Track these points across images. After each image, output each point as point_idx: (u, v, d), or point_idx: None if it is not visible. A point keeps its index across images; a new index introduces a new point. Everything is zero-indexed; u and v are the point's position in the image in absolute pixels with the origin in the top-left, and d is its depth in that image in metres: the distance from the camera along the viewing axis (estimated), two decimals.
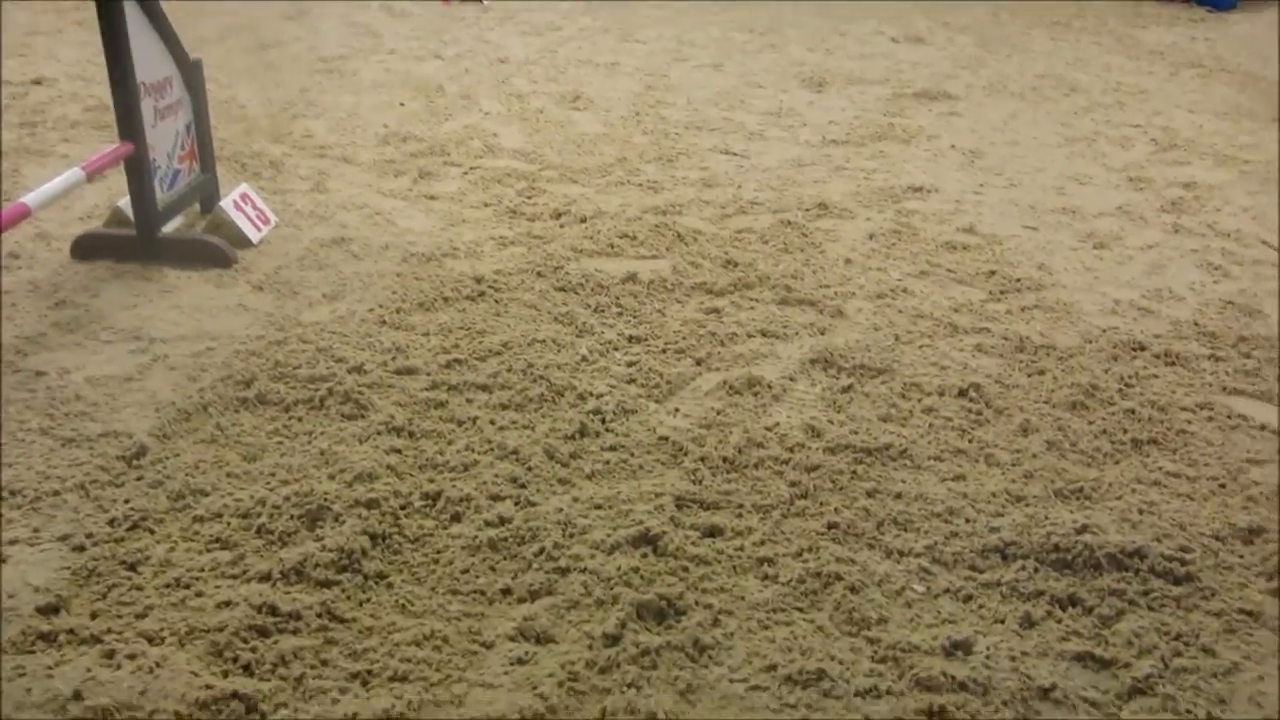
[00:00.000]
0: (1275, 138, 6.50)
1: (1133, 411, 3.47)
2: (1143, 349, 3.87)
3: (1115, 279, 4.47)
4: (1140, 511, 2.97)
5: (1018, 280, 4.42)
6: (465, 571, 2.67)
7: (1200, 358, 3.83)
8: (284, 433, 3.19)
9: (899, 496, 3.01)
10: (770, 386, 3.55)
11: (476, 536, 2.77)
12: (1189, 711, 2.29)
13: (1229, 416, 3.47)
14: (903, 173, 5.70)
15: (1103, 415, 3.46)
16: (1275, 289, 4.42)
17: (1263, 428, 3.42)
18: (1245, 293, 4.36)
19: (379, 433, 3.21)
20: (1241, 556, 2.81)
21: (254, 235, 4.53)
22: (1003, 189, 5.54)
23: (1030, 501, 3.00)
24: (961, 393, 3.55)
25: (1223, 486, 3.12)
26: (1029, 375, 3.70)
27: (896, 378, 3.64)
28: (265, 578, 2.59)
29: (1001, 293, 4.32)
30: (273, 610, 2.48)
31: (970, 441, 3.30)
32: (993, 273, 4.49)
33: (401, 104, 6.52)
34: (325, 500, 2.84)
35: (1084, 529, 2.84)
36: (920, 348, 3.86)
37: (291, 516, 2.80)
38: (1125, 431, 3.38)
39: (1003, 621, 2.55)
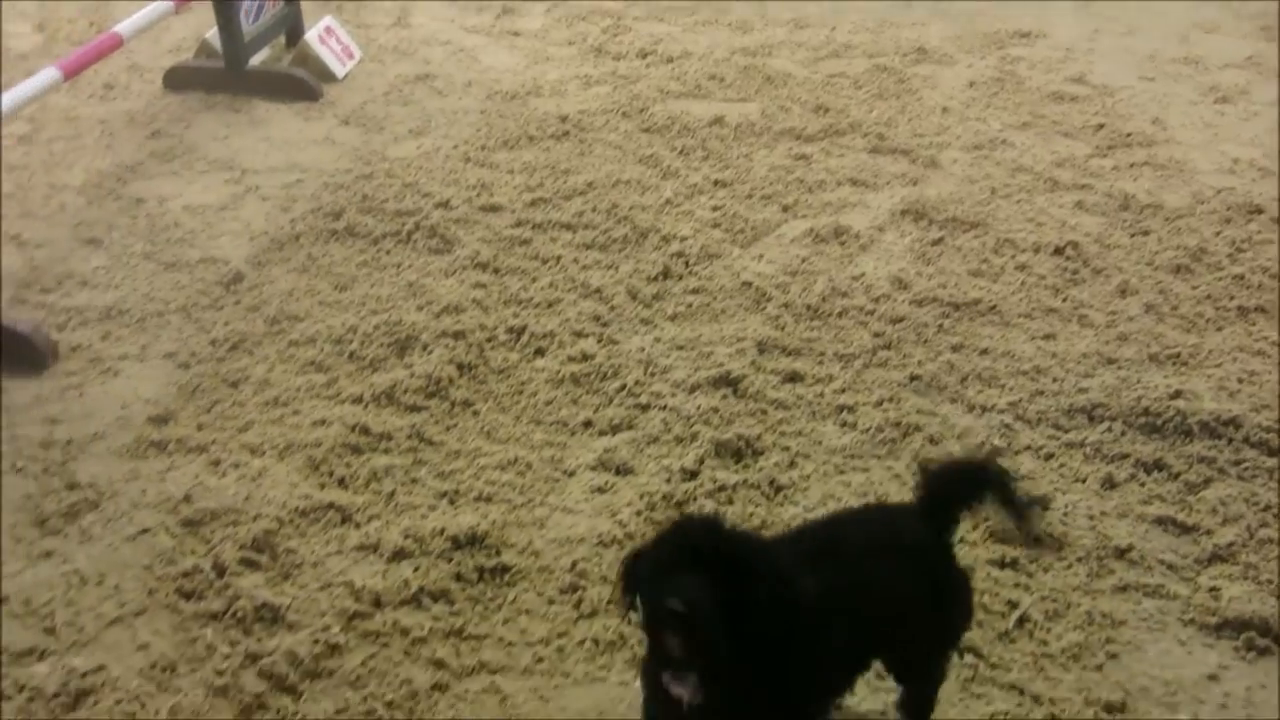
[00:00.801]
0: None
1: (1241, 277, 3.41)
2: (1259, 212, 3.76)
3: (1236, 136, 4.31)
4: (1239, 381, 2.95)
5: (1128, 135, 4.29)
6: (548, 403, 2.80)
7: None
8: (373, 264, 3.33)
9: (985, 352, 3.04)
10: (858, 236, 3.56)
11: (559, 371, 2.89)
12: (1270, 581, 2.33)
13: None
14: (1009, 16, 5.49)
15: (1208, 280, 3.41)
16: None
17: None
18: None
19: (465, 267, 3.32)
20: None
21: (339, 69, 4.59)
22: (1119, 36, 5.31)
23: (1123, 364, 3.01)
24: (1058, 251, 3.52)
25: None
26: (1132, 235, 3.64)
27: (990, 232, 3.61)
28: (358, 400, 2.76)
29: (1109, 148, 4.21)
30: (365, 430, 2.65)
31: (1064, 301, 3.30)
32: (1101, 126, 4.37)
33: None
34: (413, 330, 2.98)
35: (1178, 394, 2.84)
36: (1017, 202, 3.81)
37: (381, 344, 2.95)
38: (1231, 298, 3.32)
39: (1083, 481, 2.60)
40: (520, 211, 3.62)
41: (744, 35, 5.16)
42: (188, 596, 2.19)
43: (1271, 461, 2.67)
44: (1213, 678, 2.11)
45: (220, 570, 2.23)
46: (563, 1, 5.49)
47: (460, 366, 2.88)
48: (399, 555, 2.31)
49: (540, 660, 2.10)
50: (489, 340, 3.00)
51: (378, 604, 2.19)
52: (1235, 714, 2.03)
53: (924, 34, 5.22)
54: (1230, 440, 2.72)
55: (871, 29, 5.27)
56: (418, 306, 3.11)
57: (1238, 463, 2.67)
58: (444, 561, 2.29)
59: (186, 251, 3.39)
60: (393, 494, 2.49)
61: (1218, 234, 3.64)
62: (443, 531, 2.35)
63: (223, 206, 3.64)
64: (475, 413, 2.76)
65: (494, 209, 3.63)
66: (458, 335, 2.98)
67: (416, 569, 2.27)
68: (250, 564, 2.26)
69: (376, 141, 4.06)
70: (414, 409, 2.74)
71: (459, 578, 2.26)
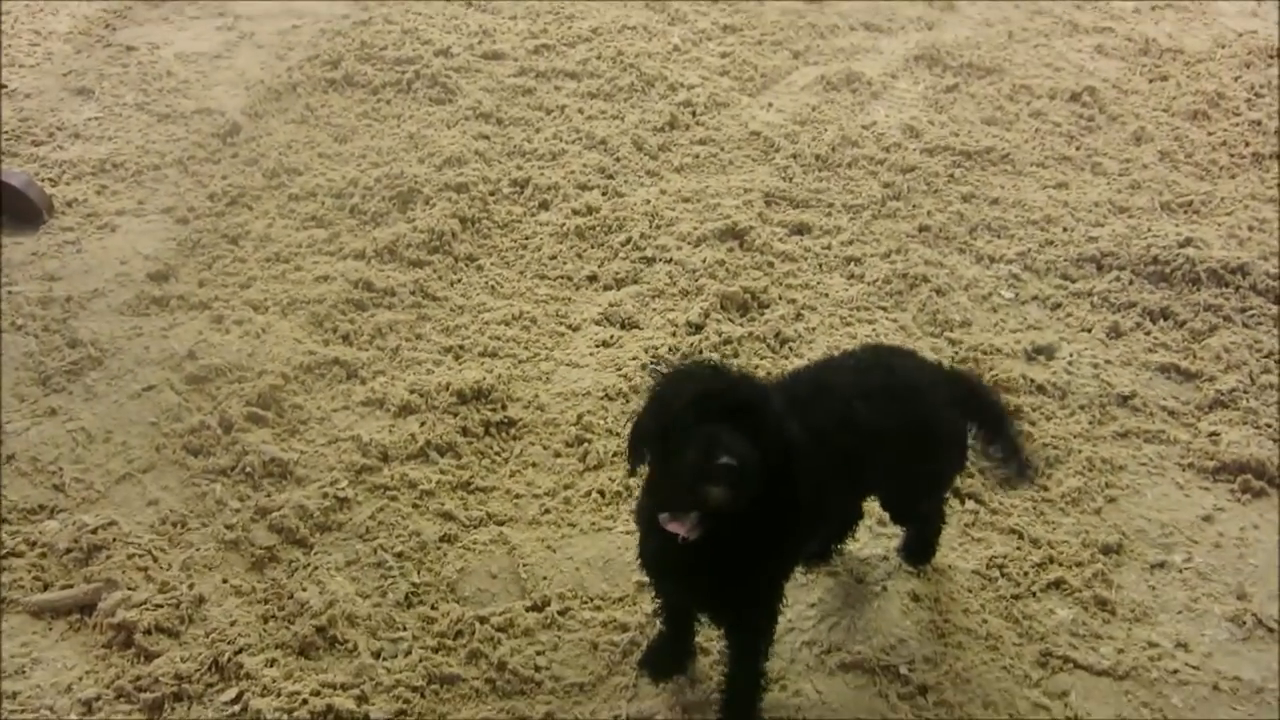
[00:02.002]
0: None
1: (1259, 124, 3.28)
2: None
3: None
4: (1250, 228, 2.86)
5: None
6: (553, 258, 2.73)
7: None
8: (373, 115, 3.21)
9: (996, 202, 2.95)
10: (870, 83, 3.42)
11: (564, 224, 2.81)
12: (1269, 425, 2.31)
13: None
14: None
15: (1225, 126, 3.28)
16: None
17: None
18: None
19: (467, 118, 3.20)
20: None
21: None
22: None
23: (1134, 213, 2.92)
24: (1074, 97, 3.38)
25: None
26: (1150, 81, 3.49)
27: (1005, 78, 3.47)
28: (360, 255, 2.69)
29: None
30: (368, 286, 2.58)
31: (1078, 149, 3.18)
32: None
33: None
34: (415, 183, 2.89)
35: (1187, 242, 2.76)
36: (1035, 47, 3.65)
37: (383, 198, 2.86)
38: (1247, 145, 3.21)
39: (1089, 330, 2.55)
40: (523, 59, 3.47)
41: None
42: (195, 453, 2.17)
43: (1277, 309, 2.62)
44: (1208, 519, 2.11)
45: (227, 426, 2.21)
46: None
47: (463, 220, 2.80)
48: (405, 410, 2.28)
49: (547, 511, 2.10)
50: (492, 193, 2.91)
51: (385, 458, 2.17)
52: (1229, 553, 2.03)
53: None
54: (1237, 288, 2.66)
55: None
56: (419, 159, 3.01)
57: (1243, 310, 2.61)
58: (450, 416, 2.26)
59: (181, 102, 3.26)
60: (397, 349, 2.44)
61: (1237, 79, 3.49)
62: (448, 386, 2.32)
63: (216, 55, 3.49)
64: (479, 267, 2.69)
65: (496, 56, 3.48)
66: (460, 188, 2.89)
67: (423, 424, 2.24)
68: (257, 420, 2.23)
69: None
70: (417, 264, 2.67)
71: (465, 432, 2.24)
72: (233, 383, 2.32)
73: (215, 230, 2.76)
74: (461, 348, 2.46)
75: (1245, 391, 2.39)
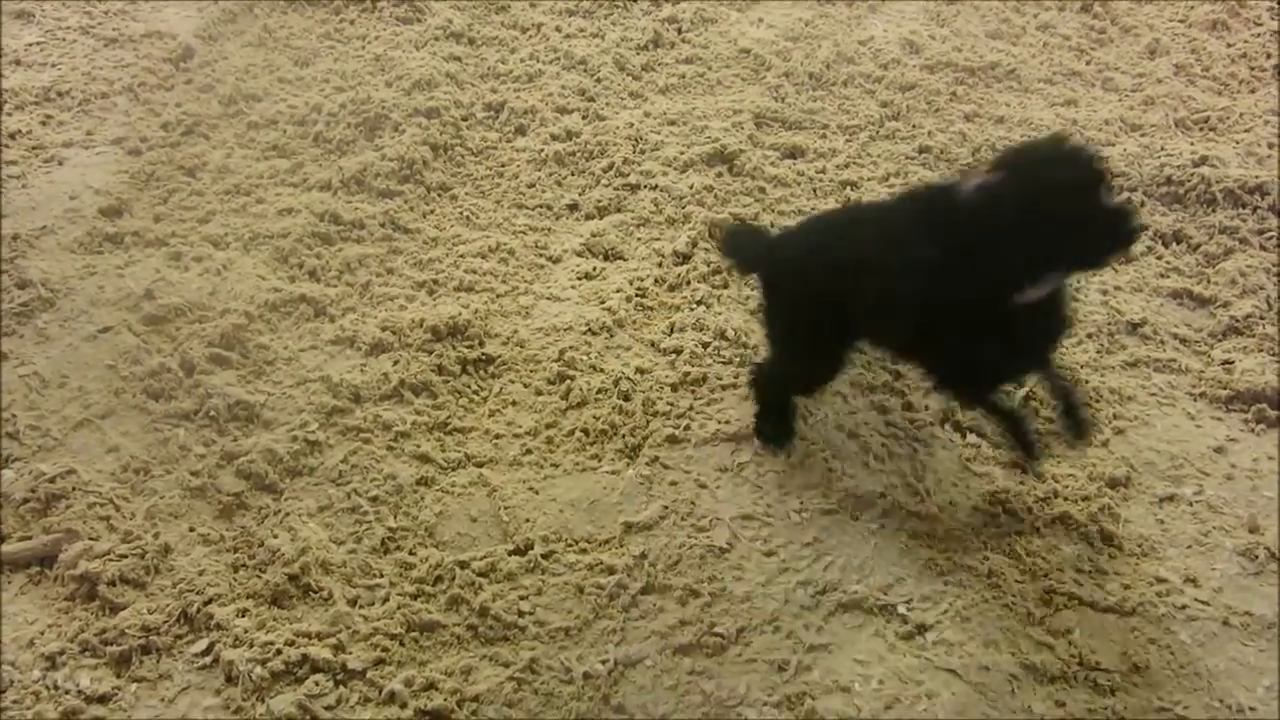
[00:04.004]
0: None
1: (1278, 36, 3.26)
2: None
3: None
4: (1270, 146, 2.85)
5: None
6: (531, 186, 2.71)
7: None
8: (336, 36, 3.16)
9: (1000, 121, 2.93)
10: None
11: (542, 150, 2.79)
12: None
13: None
14: None
15: (1245, 37, 3.25)
16: None
17: None
18: None
19: (437, 38, 3.16)
20: None
21: None
22: None
23: (1147, 130, 2.90)
24: (1084, 7, 3.35)
25: None
26: None
27: None
28: (326, 186, 2.67)
29: None
30: (335, 218, 2.57)
31: (1088, 63, 3.16)
32: None
33: None
34: (383, 108, 2.86)
35: (1203, 161, 2.75)
36: None
37: (349, 125, 2.83)
38: (1269, 57, 3.18)
39: None
40: None
41: None
42: (156, 397, 2.17)
43: None
44: (1219, 450, 2.13)
45: (189, 369, 2.21)
46: None
47: (435, 147, 2.78)
48: (377, 348, 2.28)
49: (528, 452, 2.11)
50: (465, 118, 2.88)
51: (357, 399, 2.18)
52: (1240, 485, 2.06)
53: None
54: (1255, 209, 2.65)
55: None
56: (386, 82, 2.97)
57: (1261, 232, 2.61)
58: (425, 354, 2.27)
59: (128, 25, 3.21)
60: (367, 285, 2.44)
61: None
62: (422, 323, 2.32)
63: None
64: (453, 197, 2.68)
65: None
66: (431, 113, 2.86)
67: (396, 362, 2.25)
68: (220, 361, 2.23)
69: None
70: (386, 194, 2.65)
71: (441, 370, 2.24)
72: (193, 323, 2.32)
73: (170, 162, 2.73)
74: (436, 282, 2.45)
75: (1261, 318, 2.40)
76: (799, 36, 3.21)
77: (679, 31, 3.22)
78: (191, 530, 1.95)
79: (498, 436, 2.14)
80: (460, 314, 2.34)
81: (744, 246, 2.11)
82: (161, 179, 2.70)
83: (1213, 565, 1.92)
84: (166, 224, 2.57)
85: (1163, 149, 2.82)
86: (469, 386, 2.24)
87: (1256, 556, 1.93)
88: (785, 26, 3.25)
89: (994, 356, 1.89)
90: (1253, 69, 3.15)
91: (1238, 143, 2.86)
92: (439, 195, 2.68)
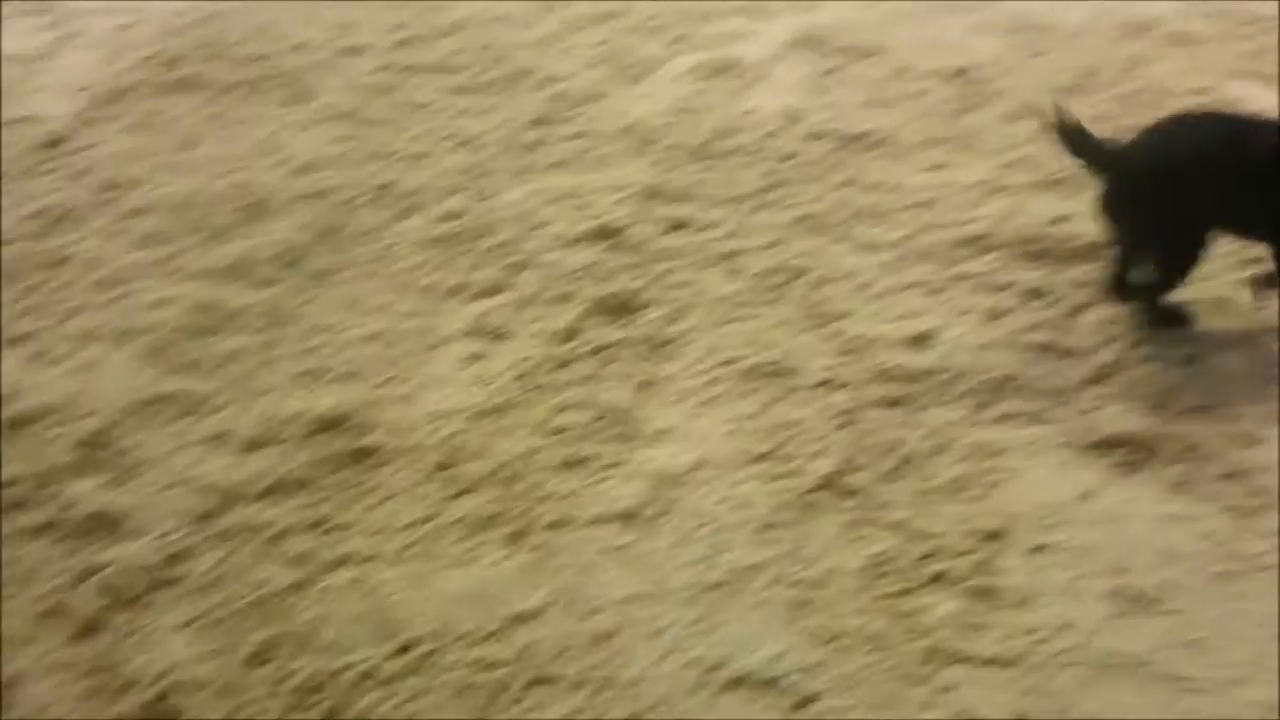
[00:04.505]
0: None
1: (1133, 96, 3.27)
2: (1150, 29, 3.61)
3: None
4: None
5: None
6: (417, 267, 2.59)
7: (1210, 38, 3.58)
8: (219, 119, 3.03)
9: (876, 187, 2.88)
10: (749, 69, 3.34)
11: (429, 231, 2.68)
12: (1144, 396, 2.29)
13: (1236, 101, 3.30)
14: None
15: (1100, 100, 3.27)
16: None
17: (1261, 111, 3.25)
18: None
19: (324, 119, 3.04)
20: (1215, 247, 2.73)
21: None
22: None
23: (1012, 191, 2.88)
24: (954, 75, 3.34)
25: None
26: (1028, 57, 3.47)
27: (886, 59, 3.41)
28: (204, 275, 2.53)
29: None
30: (213, 308, 2.43)
31: (957, 128, 3.14)
32: None
33: None
34: (266, 192, 2.73)
35: (1062, 219, 2.73)
36: (914, 26, 3.59)
37: (230, 210, 2.70)
38: (1121, 118, 3.20)
39: (969, 313, 2.50)
40: (386, 53, 3.32)
41: None
42: (10, 508, 1.99)
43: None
44: (1087, 496, 2.08)
45: (47, 477, 2.02)
46: None
47: (319, 231, 2.65)
48: (254, 444, 2.13)
49: (411, 545, 1.97)
50: (351, 200, 2.76)
51: (231, 500, 2.02)
52: (1107, 529, 2.00)
53: None
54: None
55: None
56: (271, 165, 2.84)
57: None
58: (305, 447, 2.12)
59: None
60: (246, 377, 2.29)
61: (1110, 52, 3.49)
62: (303, 415, 2.18)
63: (40, 55, 3.26)
64: (337, 282, 2.55)
65: (357, 51, 3.33)
66: (317, 196, 2.74)
67: (274, 458, 2.10)
68: (83, 466, 2.06)
69: None
70: (268, 282, 2.51)
71: (321, 464, 2.10)
72: (55, 426, 2.14)
73: (36, 253, 2.55)
74: (318, 371, 2.32)
75: (1120, 366, 2.37)
76: (684, 110, 3.16)
77: (568, 107, 3.16)
78: (44, 656, 1.76)
79: (379, 531, 1.99)
80: (342, 404, 2.20)
81: (1093, 150, 2.46)
82: (25, 272, 2.52)
83: (1085, 610, 1.86)
84: (31, 319, 2.39)
85: (1026, 208, 2.79)
86: (350, 480, 2.09)
87: (1125, 597, 1.88)
88: (671, 100, 3.20)
89: None
90: (1108, 130, 3.16)
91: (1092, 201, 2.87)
92: (323, 281, 2.55)
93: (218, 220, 2.66)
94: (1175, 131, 2.47)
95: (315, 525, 1.99)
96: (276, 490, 2.04)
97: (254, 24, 3.41)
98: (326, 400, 2.21)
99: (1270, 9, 3.76)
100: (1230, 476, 2.11)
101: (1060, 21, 3.64)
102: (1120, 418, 2.22)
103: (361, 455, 2.12)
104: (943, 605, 1.86)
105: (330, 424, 2.16)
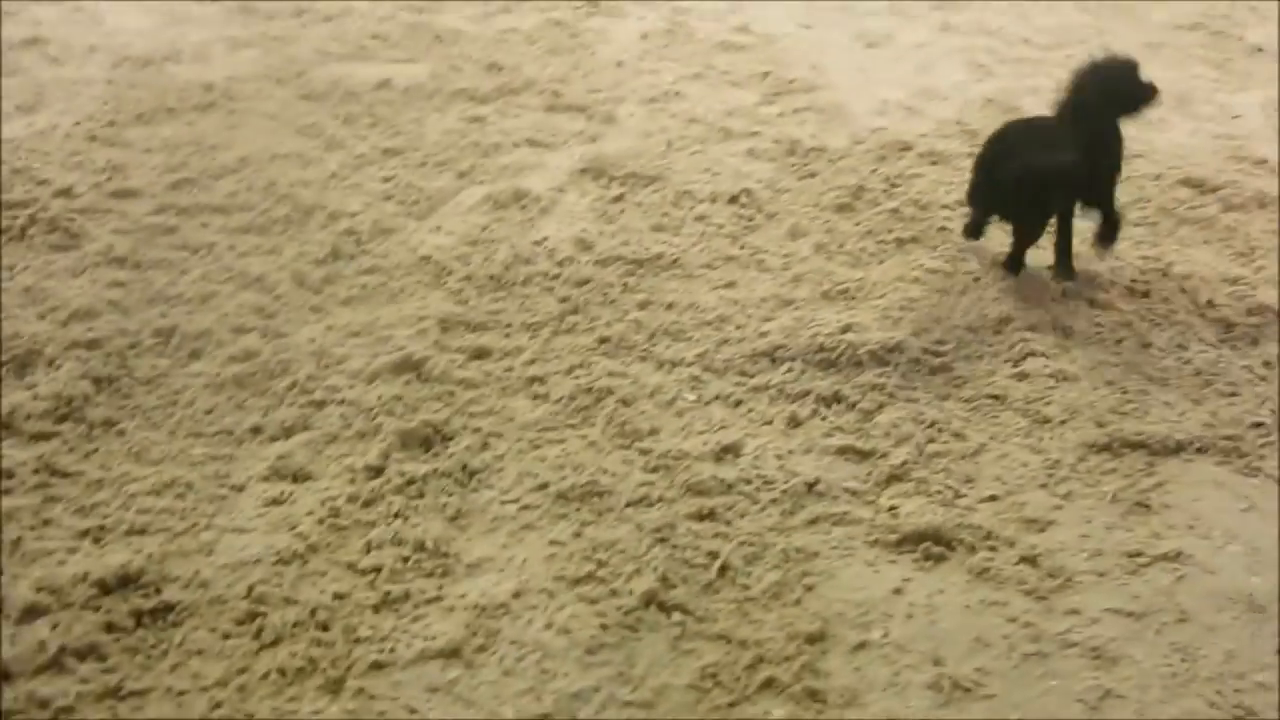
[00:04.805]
0: None
1: (897, 211, 3.57)
2: (909, 149, 3.97)
3: (885, 78, 4.53)
4: (901, 308, 3.08)
5: (791, 81, 4.41)
6: (208, 412, 2.51)
7: (960, 155, 3.97)
8: None
9: (671, 307, 3.02)
10: (538, 199, 3.45)
11: (219, 373, 2.60)
12: (939, 492, 2.46)
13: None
14: None
15: (868, 216, 3.55)
16: (1032, 87, 4.60)
17: None
18: (1006, 91, 4.51)
19: (97, 264, 2.92)
20: (991, 345, 2.98)
21: None
22: None
23: (799, 304, 3.07)
24: (733, 199, 3.56)
25: (977, 280, 3.27)
26: (799, 179, 3.74)
27: (668, 185, 3.60)
28: None
29: (775, 95, 4.31)
30: None
31: (741, 248, 3.33)
32: (767, 74, 4.46)
33: None
34: (35, 343, 2.59)
35: (848, 328, 2.93)
36: (693, 154, 3.82)
37: None
38: (889, 231, 3.48)
39: (771, 423, 2.64)
40: (162, 195, 3.24)
41: None
42: None
43: (933, 380, 2.82)
44: (898, 591, 2.19)
45: None
46: None
47: (98, 381, 2.52)
48: (31, 613, 1.98)
49: (218, 705, 1.86)
50: (132, 347, 2.65)
51: (6, 677, 1.86)
52: (921, 622, 2.12)
53: None
54: (896, 365, 2.84)
55: None
56: (39, 315, 2.70)
57: (904, 385, 2.79)
58: (91, 612, 1.99)
59: None
60: (18, 542, 2.13)
61: (874, 171, 3.80)
62: (86, 576, 2.04)
63: None
64: (120, 433, 2.43)
65: (130, 194, 3.23)
66: (92, 345, 2.61)
67: (55, 626, 1.95)
68: None
69: None
70: (41, 437, 2.37)
71: (111, 628, 1.97)
72: None
73: None
74: (102, 528, 2.19)
75: (915, 463, 2.54)
76: (477, 241, 3.22)
77: (358, 243, 3.15)
78: None
79: (182, 694, 1.88)
80: (132, 560, 2.08)
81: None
82: None
83: (907, 703, 1.95)
84: None
85: (814, 320, 2.98)
86: (146, 641, 1.97)
87: (943, 688, 1.98)
88: (463, 232, 3.25)
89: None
90: (878, 243, 3.42)
91: (875, 308, 3.08)
92: (104, 432, 2.42)
93: None
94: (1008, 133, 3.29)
95: (107, 695, 1.86)
96: (61, 661, 1.90)
97: (13, 169, 3.26)
98: (114, 558, 2.09)
99: None
100: (1026, 560, 2.28)
101: (828, 145, 3.94)
102: (920, 513, 2.36)
103: (157, 614, 2.01)
104: (775, 712, 1.91)
105: (120, 583, 2.04)
